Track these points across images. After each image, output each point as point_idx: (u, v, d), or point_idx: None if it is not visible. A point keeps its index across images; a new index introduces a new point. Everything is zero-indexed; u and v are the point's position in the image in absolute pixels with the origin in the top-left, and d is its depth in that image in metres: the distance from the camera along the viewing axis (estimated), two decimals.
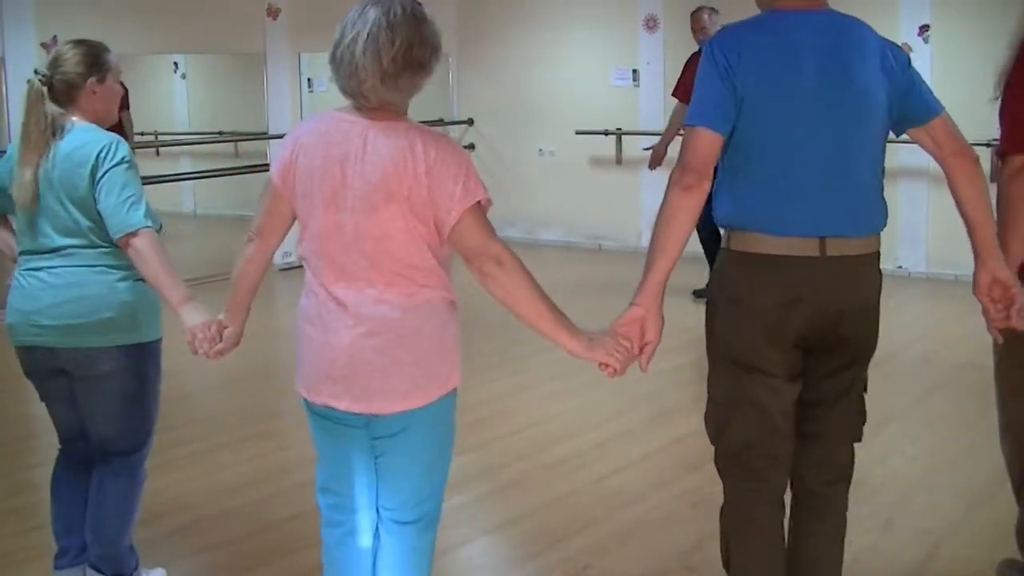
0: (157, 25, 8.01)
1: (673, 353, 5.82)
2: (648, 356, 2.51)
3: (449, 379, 2.45)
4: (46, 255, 2.95)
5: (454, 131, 10.13)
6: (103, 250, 2.94)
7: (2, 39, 6.95)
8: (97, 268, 2.94)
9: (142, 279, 2.95)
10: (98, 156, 2.88)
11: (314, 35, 8.82)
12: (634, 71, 9.24)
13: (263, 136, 8.90)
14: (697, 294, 6.72)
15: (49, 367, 3.01)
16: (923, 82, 2.56)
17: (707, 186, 2.44)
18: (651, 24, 9.12)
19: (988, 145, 6.06)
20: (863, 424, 2.70)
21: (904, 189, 7.71)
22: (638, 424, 4.84)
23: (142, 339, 3.02)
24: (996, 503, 3.74)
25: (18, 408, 5.36)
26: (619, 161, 9.31)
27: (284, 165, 2.43)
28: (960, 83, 7.56)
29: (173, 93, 12.05)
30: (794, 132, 2.44)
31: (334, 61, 2.35)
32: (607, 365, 2.45)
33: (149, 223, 2.90)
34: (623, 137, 9.23)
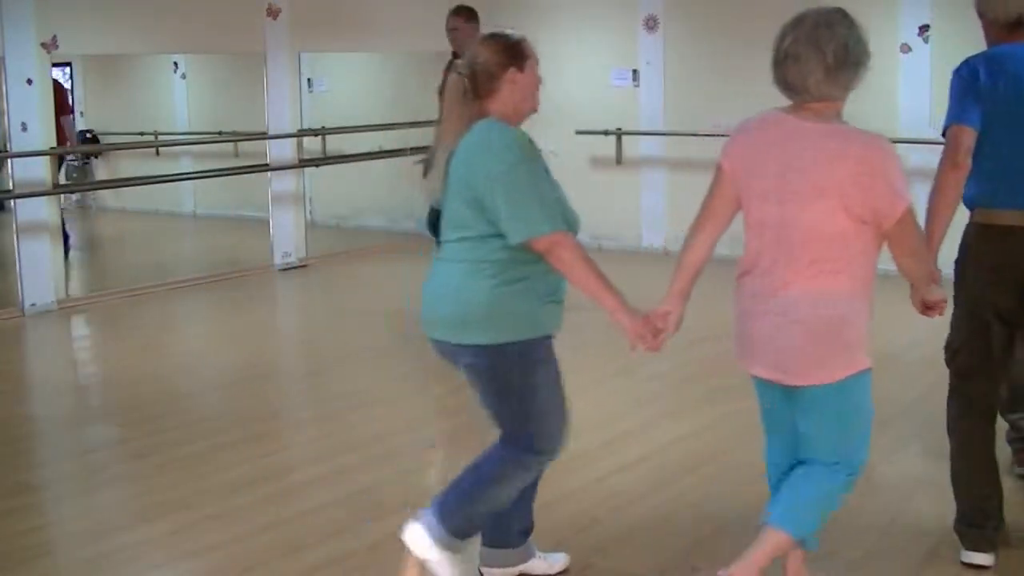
0: (157, 25, 8.00)
1: (672, 354, 5.82)
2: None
3: (856, 360, 2.75)
4: (440, 246, 3.03)
5: None
6: (471, 246, 2.90)
7: (2, 39, 6.94)
8: (461, 264, 2.92)
9: (510, 280, 2.88)
10: (491, 157, 2.84)
11: (314, 35, 8.84)
12: (634, 71, 9.24)
13: (263, 136, 8.88)
14: None
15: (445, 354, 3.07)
16: None
17: (968, 167, 3.14)
18: (651, 24, 9.11)
19: None
20: None
21: None
22: (639, 424, 4.84)
23: (499, 340, 2.90)
24: None
25: (18, 408, 5.36)
26: (619, 161, 9.30)
27: (729, 153, 2.79)
28: None
29: (173, 93, 12.07)
30: (1014, 129, 3.15)
31: (777, 65, 2.68)
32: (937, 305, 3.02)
33: (557, 225, 2.82)
34: (623, 137, 9.22)
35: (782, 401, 2.90)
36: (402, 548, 3.61)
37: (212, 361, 6.19)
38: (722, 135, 8.76)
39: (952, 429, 3.40)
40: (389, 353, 6.26)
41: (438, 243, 3.10)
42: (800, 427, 2.88)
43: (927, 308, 3.03)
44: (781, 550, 2.89)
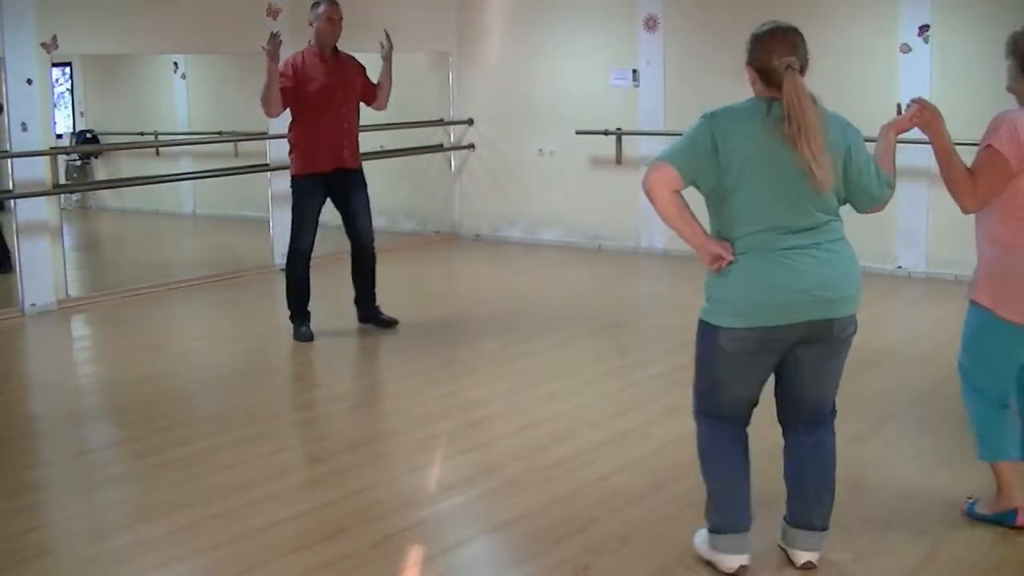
0: (157, 25, 8.00)
1: (672, 354, 5.83)
2: None
3: None
4: (806, 232, 3.12)
5: (454, 131, 10.15)
6: (839, 224, 3.21)
7: (2, 39, 6.94)
8: (844, 241, 3.20)
9: None
10: (859, 139, 3.22)
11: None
12: (634, 71, 9.24)
13: (263, 136, 8.88)
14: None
15: (791, 341, 3.16)
16: None
17: None
18: (651, 24, 9.12)
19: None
20: None
21: (904, 189, 7.62)
22: (638, 424, 4.84)
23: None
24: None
25: (18, 408, 5.37)
26: (619, 161, 9.30)
27: (1008, 141, 3.32)
28: (960, 83, 7.55)
29: (173, 93, 12.07)
30: None
31: None
32: None
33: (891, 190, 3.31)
34: (623, 137, 9.22)
35: None
36: (402, 548, 3.62)
37: (212, 361, 6.19)
38: None
39: None
40: (389, 353, 6.26)
41: (786, 231, 3.12)
42: None
43: None
44: None
